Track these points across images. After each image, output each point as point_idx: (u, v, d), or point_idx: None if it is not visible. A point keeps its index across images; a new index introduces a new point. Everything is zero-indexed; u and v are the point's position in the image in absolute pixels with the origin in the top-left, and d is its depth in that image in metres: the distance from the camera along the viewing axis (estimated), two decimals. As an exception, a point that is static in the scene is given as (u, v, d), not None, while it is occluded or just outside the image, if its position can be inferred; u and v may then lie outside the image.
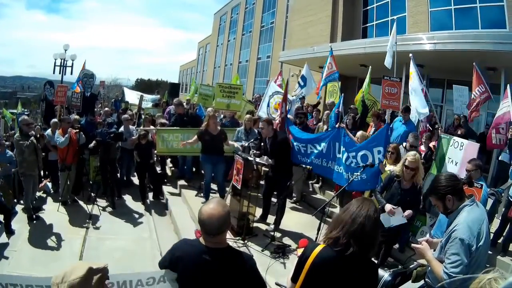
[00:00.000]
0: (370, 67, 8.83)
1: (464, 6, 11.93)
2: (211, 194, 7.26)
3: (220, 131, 6.95)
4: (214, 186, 7.51)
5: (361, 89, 9.61)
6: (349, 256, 2.01)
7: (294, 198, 7.74)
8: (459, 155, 5.70)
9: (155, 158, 8.93)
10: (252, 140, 6.29)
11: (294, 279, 2.22)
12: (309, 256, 2.12)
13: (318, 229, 3.88)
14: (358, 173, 4.77)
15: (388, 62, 8.46)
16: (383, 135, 5.46)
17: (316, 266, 2.08)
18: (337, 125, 6.63)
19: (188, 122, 8.63)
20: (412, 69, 7.70)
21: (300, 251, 2.55)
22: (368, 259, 2.11)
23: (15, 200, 7.49)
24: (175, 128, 8.53)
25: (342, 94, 8.77)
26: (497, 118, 7.05)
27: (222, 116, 9.34)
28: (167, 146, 8.38)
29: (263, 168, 6.02)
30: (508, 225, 5.55)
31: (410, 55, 8.03)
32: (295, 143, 6.73)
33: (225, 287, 2.19)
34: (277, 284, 4.06)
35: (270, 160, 5.71)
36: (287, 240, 5.74)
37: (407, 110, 7.63)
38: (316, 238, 3.78)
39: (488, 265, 3.06)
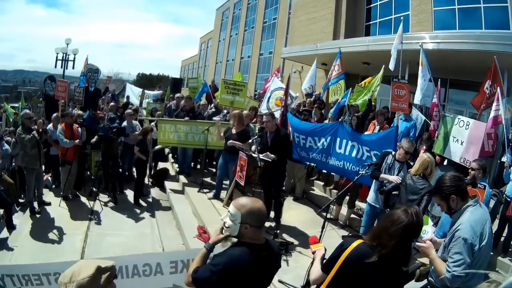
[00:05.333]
0: (384, 66, 8.71)
1: (468, 6, 11.87)
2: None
3: (241, 131, 6.84)
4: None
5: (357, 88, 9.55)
6: (382, 256, 2.06)
7: (296, 195, 7.74)
8: (464, 134, 5.69)
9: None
10: (255, 137, 6.28)
11: (326, 269, 2.24)
12: (346, 249, 2.15)
13: (323, 228, 3.89)
14: (363, 171, 4.76)
15: (392, 65, 8.42)
16: (391, 138, 5.45)
17: (351, 260, 2.12)
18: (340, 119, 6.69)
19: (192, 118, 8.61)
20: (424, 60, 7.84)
21: (313, 247, 2.58)
22: (398, 265, 2.16)
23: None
24: (178, 119, 8.52)
25: (350, 88, 8.80)
26: (489, 122, 7.00)
27: (225, 112, 9.35)
28: (169, 137, 8.37)
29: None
30: (507, 225, 5.56)
31: (421, 42, 8.06)
32: (295, 134, 6.76)
33: (273, 274, 2.33)
34: (280, 281, 4.09)
35: (272, 155, 5.68)
36: (289, 237, 5.75)
37: (408, 106, 7.68)
38: (321, 236, 3.79)
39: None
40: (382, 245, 2.08)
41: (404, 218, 2.10)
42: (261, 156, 5.61)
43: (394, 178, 4.69)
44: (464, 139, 5.65)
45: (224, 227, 2.22)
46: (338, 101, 8.48)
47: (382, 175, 4.88)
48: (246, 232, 2.14)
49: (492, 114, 6.69)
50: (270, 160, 5.63)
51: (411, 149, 4.88)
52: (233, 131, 6.87)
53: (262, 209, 2.18)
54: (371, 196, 5.21)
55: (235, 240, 2.22)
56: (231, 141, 6.67)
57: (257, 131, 7.51)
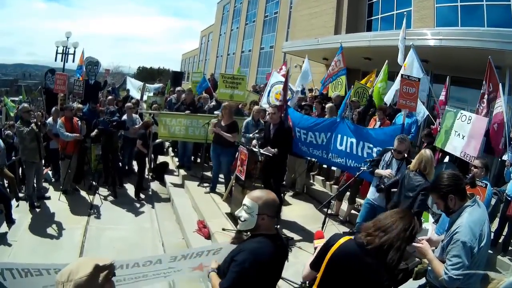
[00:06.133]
0: (386, 61, 8.62)
1: (470, 3, 11.81)
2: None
3: (230, 123, 6.90)
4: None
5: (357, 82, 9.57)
6: (370, 253, 2.02)
7: (297, 190, 7.72)
8: (466, 128, 5.68)
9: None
10: (256, 131, 6.27)
11: (315, 267, 2.21)
12: (332, 246, 2.11)
13: (323, 223, 3.88)
14: (365, 168, 4.75)
15: (400, 59, 8.38)
16: (396, 135, 5.41)
17: (337, 257, 2.08)
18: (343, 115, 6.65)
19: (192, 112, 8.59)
20: (410, 59, 7.81)
21: (317, 242, 2.55)
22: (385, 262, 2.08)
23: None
24: (178, 113, 8.51)
25: (353, 86, 8.78)
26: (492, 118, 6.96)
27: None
28: (169, 131, 8.38)
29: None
30: (507, 224, 5.55)
31: (411, 43, 8.06)
32: (296, 129, 6.75)
33: (284, 263, 2.40)
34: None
35: (273, 150, 5.67)
36: (289, 233, 5.74)
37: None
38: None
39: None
40: (379, 238, 2.04)
41: (402, 215, 2.10)
42: (262, 150, 5.59)
43: (386, 172, 4.64)
44: (465, 133, 5.62)
45: (240, 221, 2.26)
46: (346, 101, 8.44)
47: (376, 171, 4.84)
48: (263, 223, 2.21)
49: (494, 111, 6.67)
50: (271, 154, 5.62)
51: (401, 148, 4.75)
52: (222, 123, 6.92)
53: (276, 199, 2.28)
54: (370, 193, 5.18)
55: (244, 237, 2.28)
56: (217, 128, 6.77)
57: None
